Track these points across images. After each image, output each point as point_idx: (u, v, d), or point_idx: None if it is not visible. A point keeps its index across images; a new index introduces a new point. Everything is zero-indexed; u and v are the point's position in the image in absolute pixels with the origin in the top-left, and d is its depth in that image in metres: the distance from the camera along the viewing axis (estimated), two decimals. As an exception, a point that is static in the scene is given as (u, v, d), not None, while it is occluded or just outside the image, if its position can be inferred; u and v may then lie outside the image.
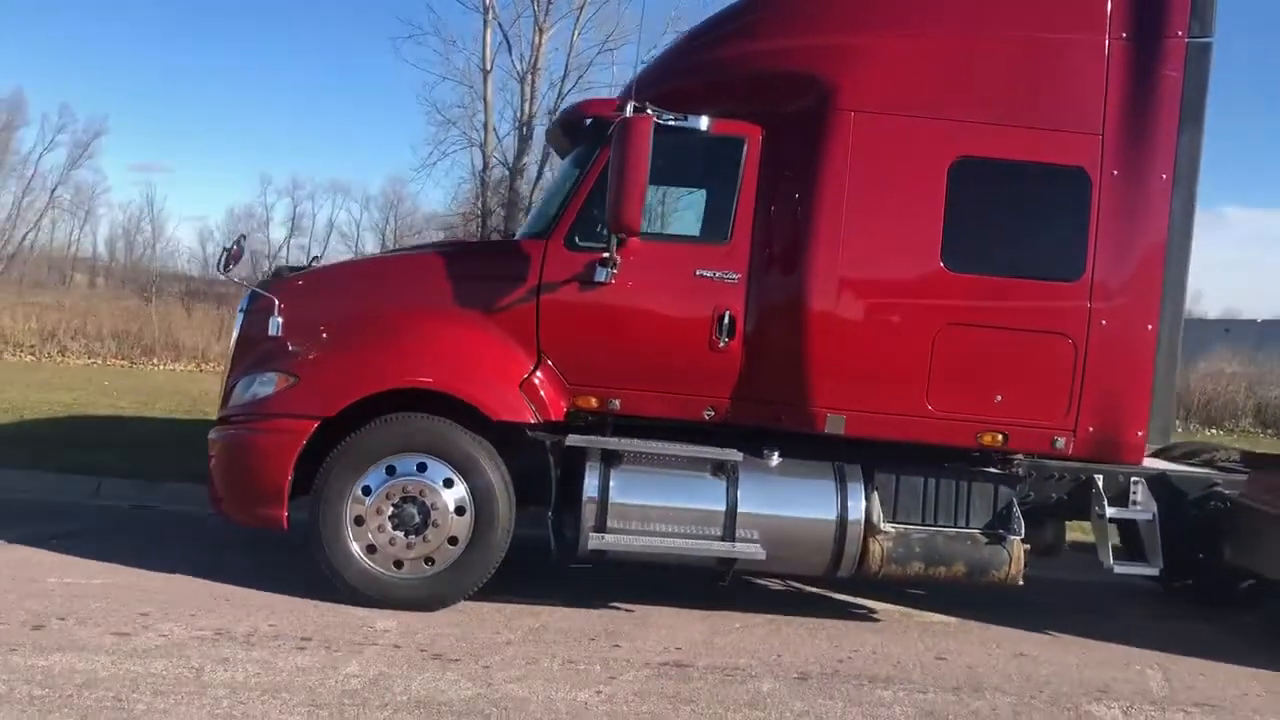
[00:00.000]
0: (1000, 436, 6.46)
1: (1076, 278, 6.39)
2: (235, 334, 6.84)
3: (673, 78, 6.85)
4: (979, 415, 6.43)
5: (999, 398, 6.41)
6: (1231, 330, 51.65)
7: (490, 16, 31.97)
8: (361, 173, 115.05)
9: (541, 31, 32.59)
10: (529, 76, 32.83)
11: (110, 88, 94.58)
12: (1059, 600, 7.93)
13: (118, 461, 9.80)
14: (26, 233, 65.63)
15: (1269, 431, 22.08)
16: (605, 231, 6.30)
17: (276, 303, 6.49)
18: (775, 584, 7.81)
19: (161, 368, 20.53)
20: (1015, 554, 6.54)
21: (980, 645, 6.61)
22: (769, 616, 6.81)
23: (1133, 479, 7.04)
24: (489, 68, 32.31)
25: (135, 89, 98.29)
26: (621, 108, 6.25)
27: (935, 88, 6.41)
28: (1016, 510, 6.64)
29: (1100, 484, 6.92)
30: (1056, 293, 6.42)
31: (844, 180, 6.33)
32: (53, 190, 66.38)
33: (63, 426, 11.79)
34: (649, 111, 6.23)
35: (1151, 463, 7.69)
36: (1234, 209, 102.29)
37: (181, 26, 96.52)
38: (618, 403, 6.53)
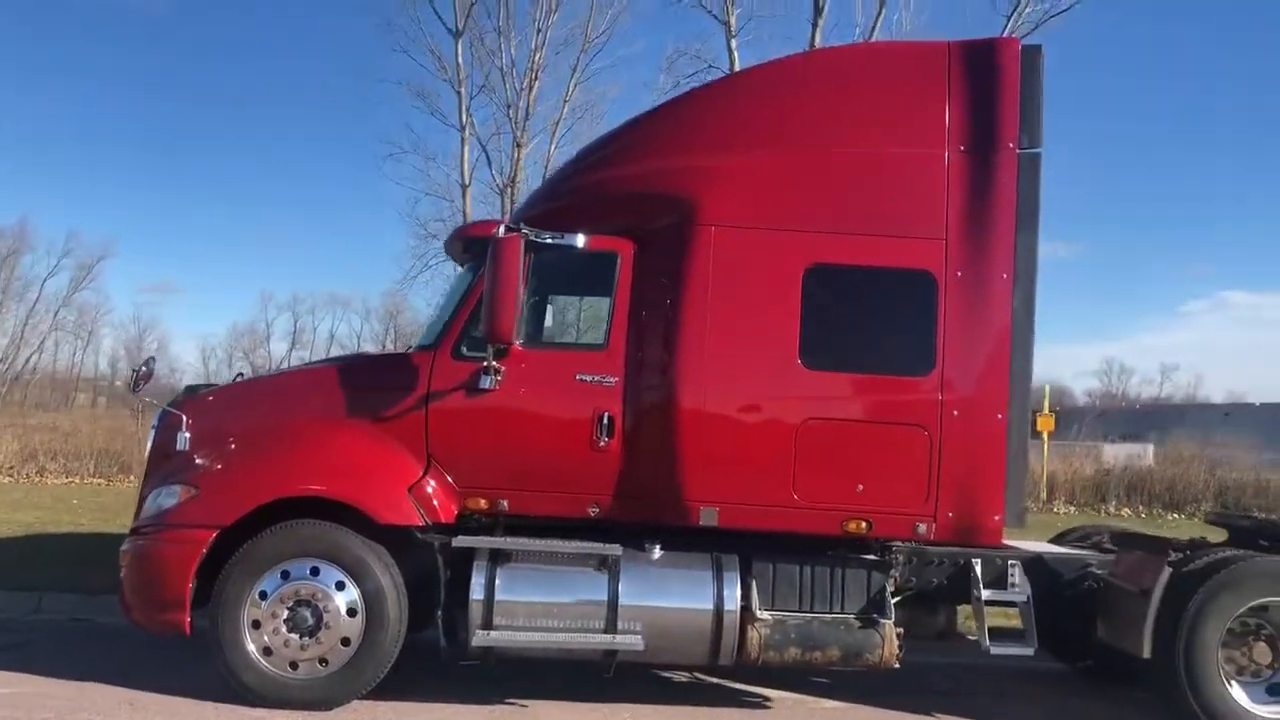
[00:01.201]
0: (864, 524, 6.80)
1: (927, 372, 6.82)
2: (148, 449, 7.25)
3: (556, 199, 7.42)
4: (843, 504, 6.79)
5: (861, 487, 6.78)
6: (1231, 415, 51.91)
7: (468, 134, 33.11)
8: (362, 285, 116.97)
9: (519, 147, 33.66)
10: (508, 189, 33.79)
11: (119, 209, 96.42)
12: (962, 684, 8.18)
13: (64, 576, 10.11)
14: (30, 355, 66.72)
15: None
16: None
17: (184, 418, 6.93)
18: (681, 675, 8.05)
19: (136, 483, 20.79)
20: (888, 637, 6.83)
21: (865, 730, 6.85)
22: (660, 706, 7.07)
23: (1010, 562, 7.36)
24: (467, 182, 33.35)
25: (147, 209, 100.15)
26: (497, 229, 6.75)
27: (788, 202, 6.93)
28: (888, 595, 6.96)
29: (978, 568, 7.25)
30: (909, 387, 6.85)
31: (707, 289, 6.81)
32: (55, 313, 67.63)
33: (18, 545, 12.10)
34: (523, 231, 6.75)
35: (1030, 545, 8.03)
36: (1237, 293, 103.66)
37: (188, 145, 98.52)
38: (506, 503, 6.90)
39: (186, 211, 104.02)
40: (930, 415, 6.78)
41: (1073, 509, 22.98)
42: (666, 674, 8.03)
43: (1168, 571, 6.83)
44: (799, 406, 6.80)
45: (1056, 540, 8.86)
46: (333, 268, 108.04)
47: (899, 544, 7.18)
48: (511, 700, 7.03)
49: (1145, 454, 31.61)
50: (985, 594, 7.17)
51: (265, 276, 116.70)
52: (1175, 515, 22.45)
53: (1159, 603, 6.76)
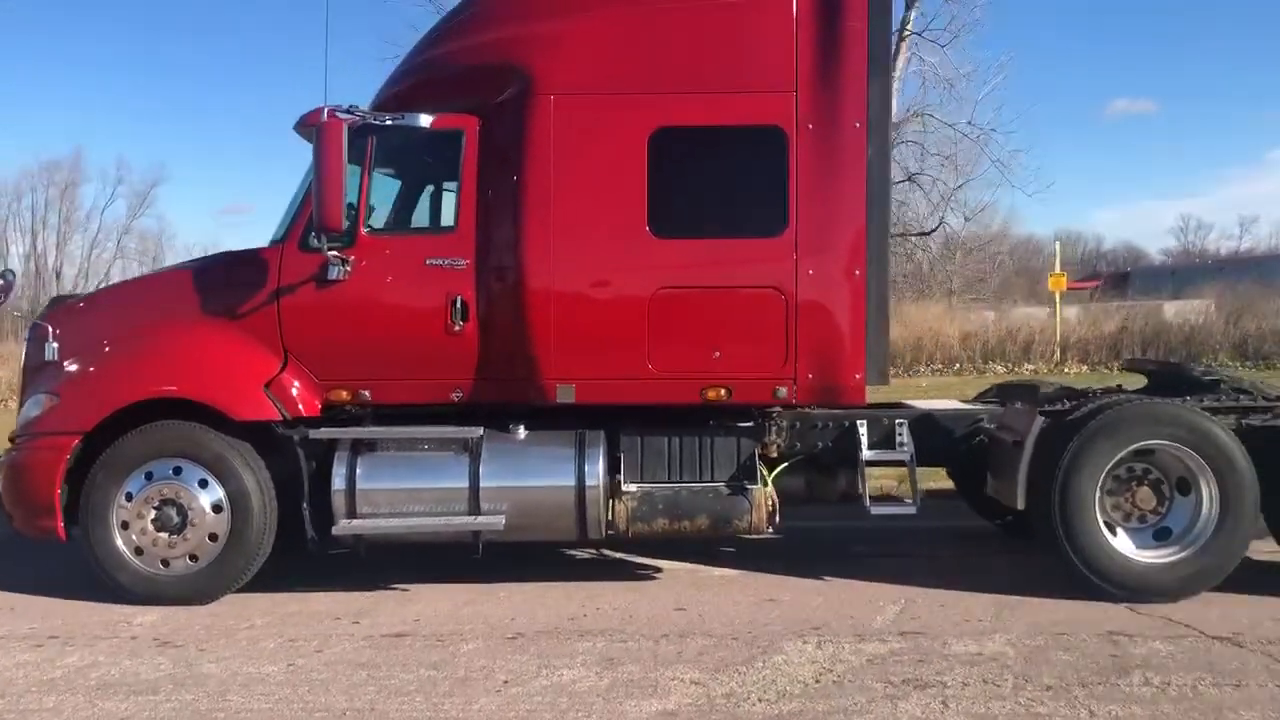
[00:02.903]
0: (724, 391, 6.68)
1: (780, 232, 6.59)
2: (21, 362, 7.32)
3: (404, 79, 7.19)
4: (700, 372, 6.66)
5: (718, 354, 6.64)
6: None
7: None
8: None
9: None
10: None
11: (173, 138, 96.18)
12: (878, 546, 8.11)
13: None
14: (99, 284, 67.75)
15: (1248, 364, 21.67)
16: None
17: (50, 329, 6.96)
18: (586, 552, 8.08)
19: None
20: (757, 502, 6.75)
21: (735, 595, 6.83)
22: (541, 584, 7.09)
23: (897, 421, 7.23)
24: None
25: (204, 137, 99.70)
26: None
27: (628, 64, 6.65)
28: (758, 461, 6.87)
29: (863, 429, 7.13)
30: (762, 249, 6.63)
31: (549, 161, 6.60)
32: (118, 241, 68.39)
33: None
34: (357, 115, 6.58)
35: (922, 404, 7.87)
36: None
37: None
38: (368, 393, 6.87)
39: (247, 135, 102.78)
40: (785, 276, 6.58)
41: (1085, 368, 22.57)
42: (571, 551, 8.07)
43: (1039, 421, 6.62)
44: (650, 276, 6.63)
45: (982, 395, 8.70)
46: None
47: (780, 410, 7.07)
48: (393, 585, 7.11)
49: (1208, 310, 30.61)
50: (869, 454, 7.09)
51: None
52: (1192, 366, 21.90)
53: (1031, 452, 6.56)
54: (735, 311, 6.64)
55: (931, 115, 29.34)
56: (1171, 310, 30.35)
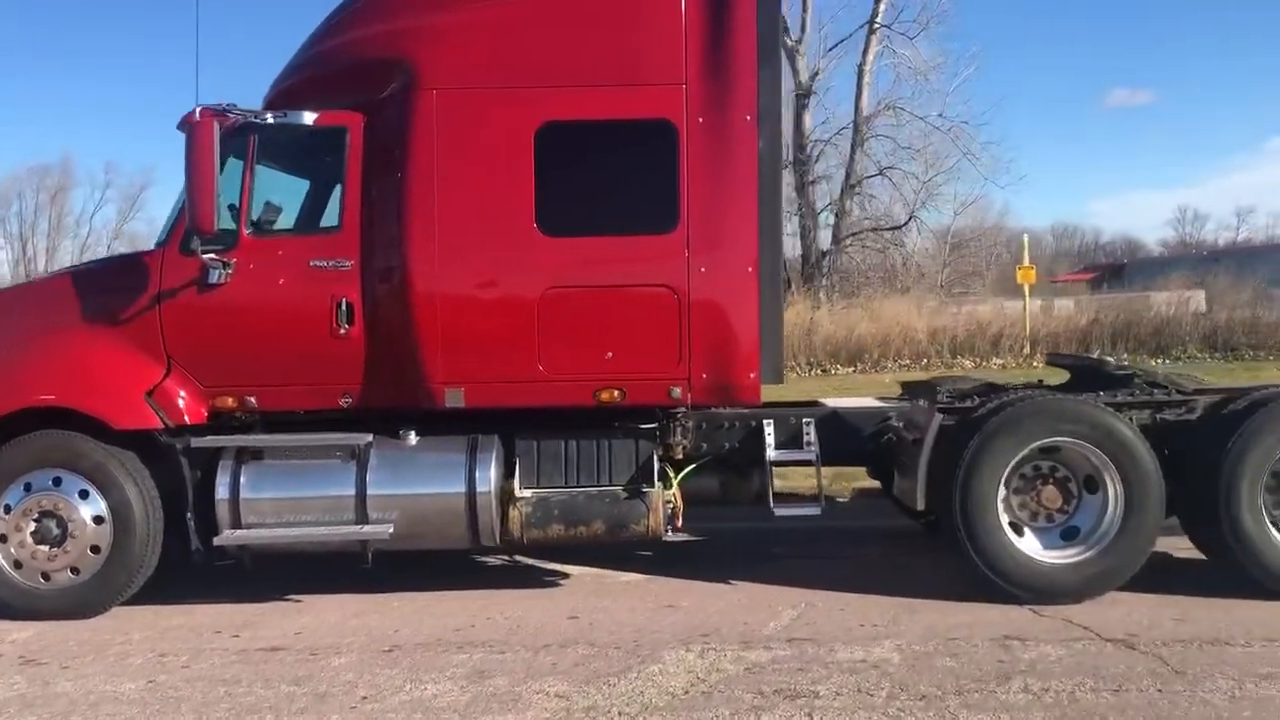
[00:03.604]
0: (618, 392, 6.51)
1: (672, 228, 6.42)
2: None
3: (292, 74, 7.01)
4: (593, 374, 6.49)
5: (610, 354, 6.47)
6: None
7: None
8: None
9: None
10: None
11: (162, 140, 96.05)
12: (799, 547, 7.95)
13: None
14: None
15: (1216, 356, 21.55)
16: (219, 233, 6.46)
17: None
18: (496, 559, 7.90)
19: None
20: (653, 506, 6.57)
21: (634, 601, 6.66)
22: (439, 593, 6.92)
23: (804, 420, 7.06)
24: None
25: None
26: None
27: (514, 57, 6.47)
28: (656, 463, 6.69)
29: (769, 428, 6.96)
30: (653, 246, 6.46)
31: (433, 158, 6.43)
32: (108, 246, 67.71)
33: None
34: (231, 114, 6.40)
35: (834, 402, 7.71)
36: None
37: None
38: (255, 400, 6.68)
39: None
40: (677, 274, 6.41)
41: (1054, 361, 22.35)
42: (483, 558, 7.89)
43: (938, 418, 6.45)
44: (539, 276, 6.46)
45: (905, 391, 8.52)
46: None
47: (685, 410, 6.90)
48: (290, 595, 6.92)
49: (1197, 300, 30.44)
50: (774, 454, 6.92)
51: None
52: (1160, 359, 21.84)
53: (930, 451, 6.40)
54: (627, 311, 6.46)
55: (903, 108, 29.22)
56: (1159, 300, 30.14)
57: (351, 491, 6.47)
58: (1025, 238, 24.60)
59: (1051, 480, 6.50)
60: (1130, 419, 6.60)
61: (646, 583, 7.13)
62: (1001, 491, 6.40)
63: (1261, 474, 6.26)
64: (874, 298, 26.93)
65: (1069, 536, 6.48)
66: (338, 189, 6.68)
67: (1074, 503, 6.50)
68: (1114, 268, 60.90)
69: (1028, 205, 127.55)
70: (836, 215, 29.68)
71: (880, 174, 29.32)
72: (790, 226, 30.50)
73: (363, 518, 6.46)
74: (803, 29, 29.56)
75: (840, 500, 9.24)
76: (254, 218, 6.65)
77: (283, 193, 6.98)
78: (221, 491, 6.47)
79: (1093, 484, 6.45)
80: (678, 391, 6.50)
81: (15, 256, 61.55)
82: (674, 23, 6.42)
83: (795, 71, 29.30)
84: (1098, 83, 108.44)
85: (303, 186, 7.17)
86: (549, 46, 6.47)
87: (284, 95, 6.84)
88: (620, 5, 6.49)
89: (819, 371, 22.16)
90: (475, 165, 6.44)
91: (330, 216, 6.76)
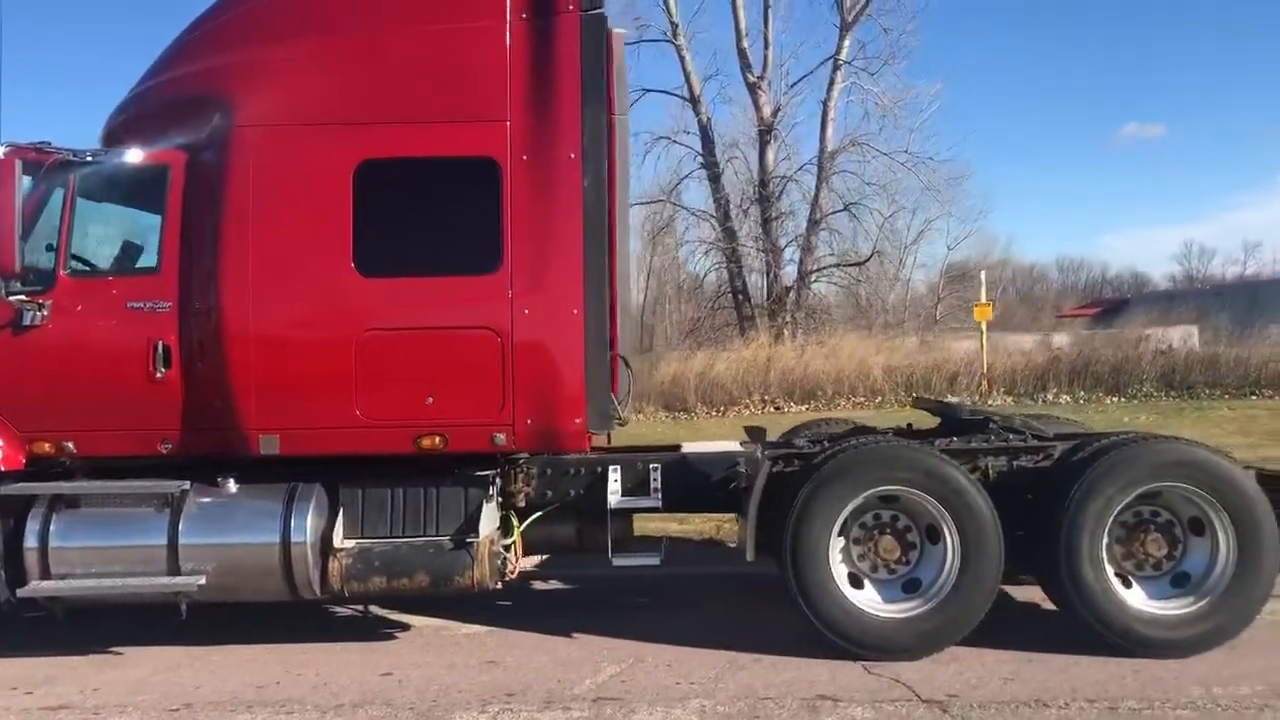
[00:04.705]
0: (439, 439, 6.28)
1: (495, 269, 6.22)
2: None
3: (123, 111, 6.88)
4: (412, 420, 6.26)
5: (431, 399, 6.24)
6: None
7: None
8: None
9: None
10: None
11: None
12: (661, 596, 7.71)
13: None
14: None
15: (1172, 395, 21.35)
16: (32, 276, 6.28)
17: None
18: (346, 610, 7.64)
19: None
20: (480, 556, 6.32)
21: (458, 657, 6.41)
22: (265, 646, 6.67)
23: (651, 466, 6.81)
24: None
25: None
26: (9, 152, 6.21)
27: (330, 93, 6.31)
28: (483, 512, 6.43)
29: (614, 474, 6.72)
30: (475, 287, 6.26)
31: (248, 198, 6.24)
32: None
33: None
34: (43, 152, 6.24)
35: (692, 447, 7.48)
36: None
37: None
38: (72, 445, 6.45)
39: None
40: (500, 316, 6.21)
41: (1010, 399, 22.17)
42: (335, 609, 7.62)
43: (766, 465, 6.23)
44: (356, 318, 6.25)
45: (786, 437, 8.28)
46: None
47: (528, 456, 6.68)
48: (111, 648, 6.67)
49: (1192, 336, 30.23)
50: (616, 501, 6.66)
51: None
52: (1116, 398, 21.65)
53: (759, 498, 6.17)
54: (448, 354, 6.25)
55: (868, 144, 29.16)
56: (1154, 337, 29.86)
57: (163, 541, 6.23)
58: (983, 274, 24.29)
59: (889, 530, 6.26)
60: (983, 466, 6.39)
61: (485, 635, 6.88)
62: (839, 541, 6.16)
63: (1102, 525, 6.01)
64: (836, 334, 26.74)
65: (910, 589, 6.24)
66: (158, 229, 6.48)
67: (915, 554, 6.26)
68: (1118, 302, 60.73)
69: (1034, 239, 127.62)
70: (802, 251, 29.54)
71: (845, 209, 29.19)
72: (756, 263, 30.46)
73: (174, 568, 6.22)
74: (764, 65, 29.57)
75: (730, 545, 9.04)
76: (72, 258, 6.45)
77: (104, 233, 6.79)
78: (30, 540, 6.23)
79: (935, 535, 6.21)
80: (501, 438, 6.27)
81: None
82: (498, 58, 6.25)
83: (758, 107, 29.28)
84: (1109, 117, 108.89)
85: (125, 227, 6.96)
86: (368, 82, 6.31)
87: (120, 129, 6.69)
88: (443, 40, 6.31)
89: (772, 409, 21.97)
90: (292, 204, 6.25)
91: (149, 257, 6.56)
